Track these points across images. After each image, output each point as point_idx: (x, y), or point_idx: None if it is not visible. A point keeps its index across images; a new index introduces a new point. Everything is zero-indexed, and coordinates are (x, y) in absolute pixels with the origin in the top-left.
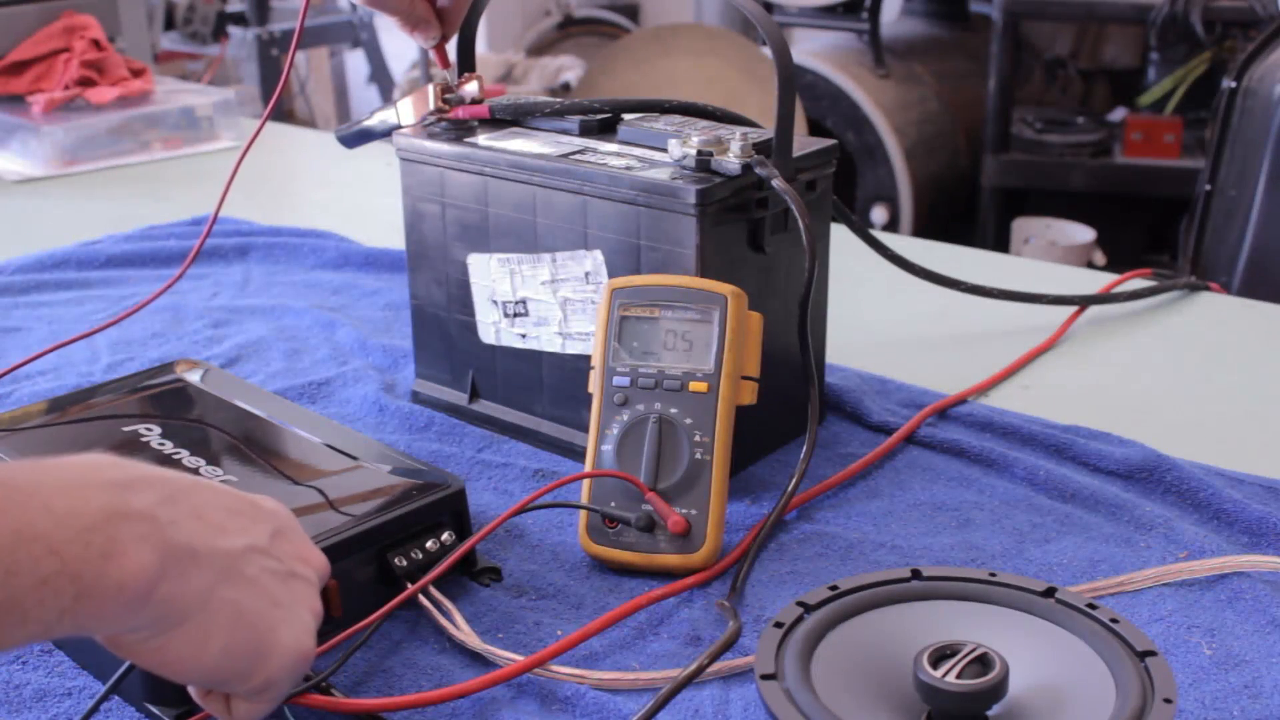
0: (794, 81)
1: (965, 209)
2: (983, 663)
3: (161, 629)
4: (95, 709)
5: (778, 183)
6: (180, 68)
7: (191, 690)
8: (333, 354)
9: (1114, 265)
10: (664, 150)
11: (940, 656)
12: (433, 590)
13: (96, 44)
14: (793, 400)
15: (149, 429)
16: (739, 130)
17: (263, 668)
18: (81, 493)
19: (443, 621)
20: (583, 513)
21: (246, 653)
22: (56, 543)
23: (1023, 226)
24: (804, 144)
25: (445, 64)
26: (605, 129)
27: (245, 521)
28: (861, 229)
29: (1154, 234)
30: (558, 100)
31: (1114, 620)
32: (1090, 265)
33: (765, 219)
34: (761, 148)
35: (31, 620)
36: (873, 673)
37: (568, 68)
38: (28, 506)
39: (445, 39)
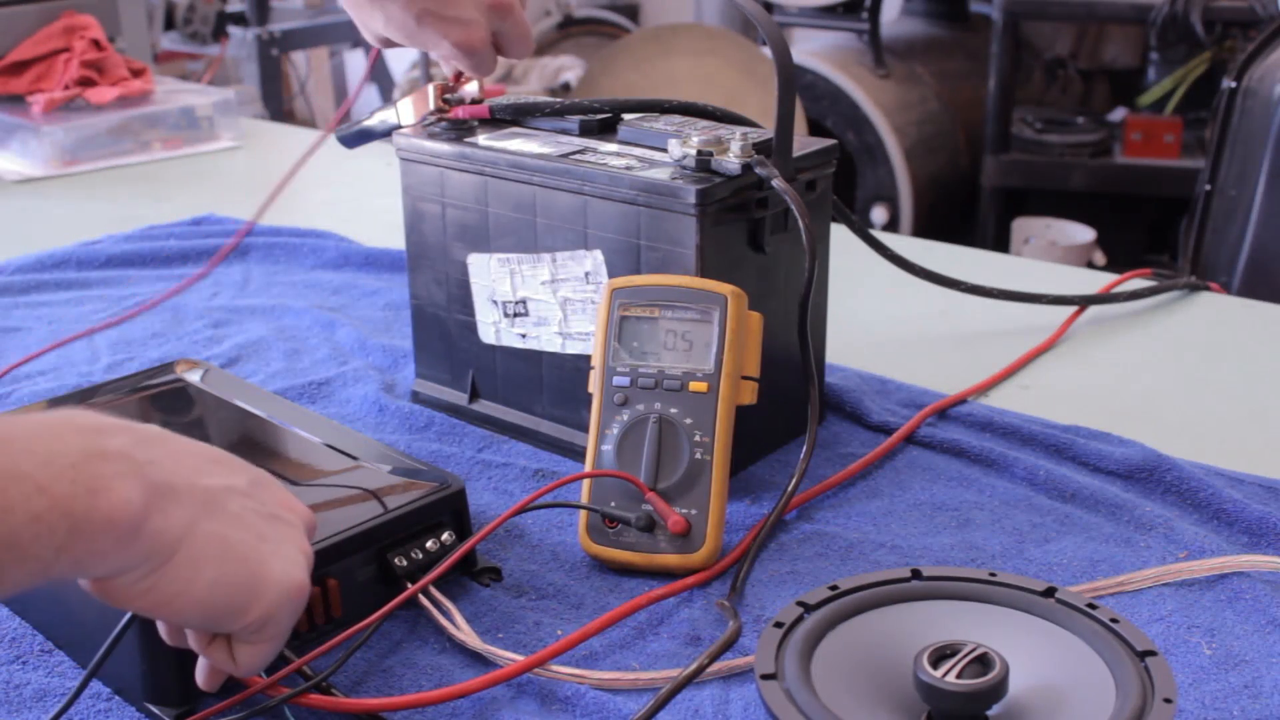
0: (794, 81)
1: (965, 209)
2: (983, 663)
3: (152, 566)
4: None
5: (778, 183)
6: (180, 68)
7: (193, 641)
8: (333, 354)
9: (1114, 265)
10: (664, 150)
11: (940, 656)
12: (433, 590)
13: (96, 44)
14: (793, 400)
15: None
16: (739, 130)
17: (257, 601)
18: (58, 437)
19: (443, 621)
20: (583, 513)
21: (238, 584)
22: (43, 481)
23: (1023, 226)
24: (804, 144)
25: (459, 81)
26: (605, 129)
27: (223, 469)
28: (861, 229)
29: (1154, 234)
30: (558, 100)
31: (1114, 620)
32: (1090, 265)
33: (765, 219)
34: (761, 148)
35: (30, 557)
36: (873, 673)
37: (568, 68)
38: (8, 450)
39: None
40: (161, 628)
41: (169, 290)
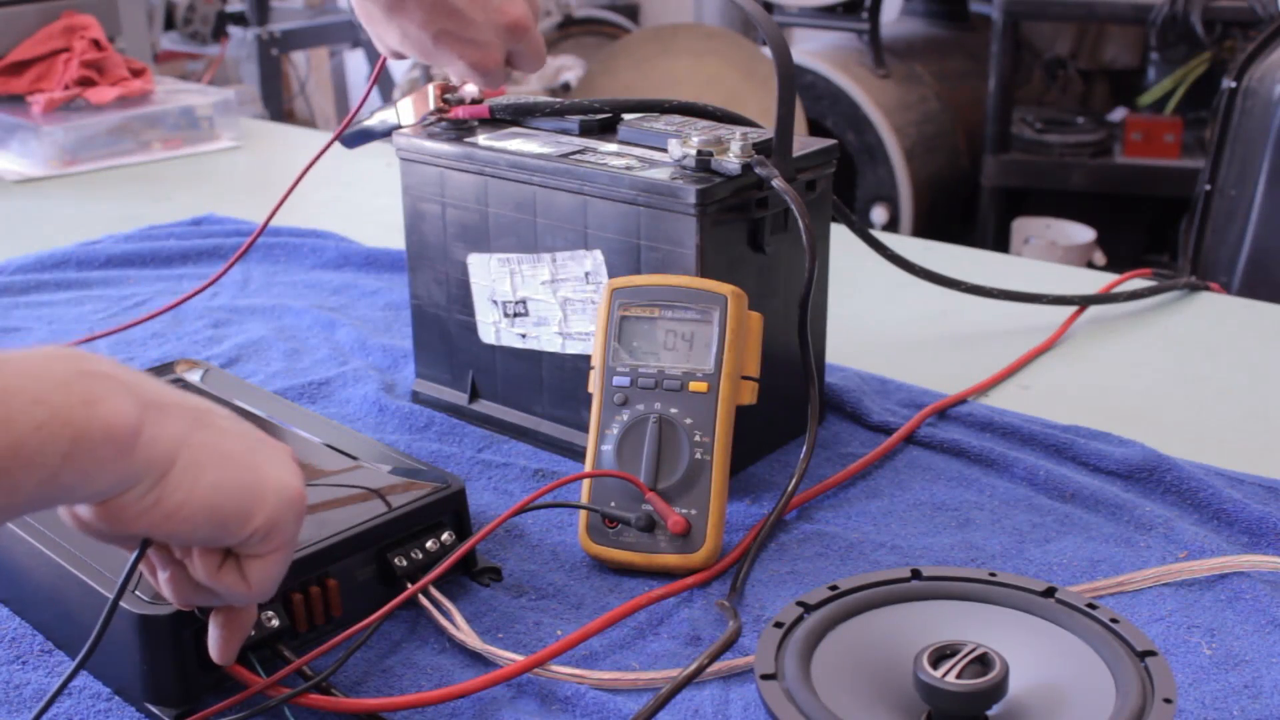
0: (794, 81)
1: (965, 209)
2: (983, 663)
3: (154, 478)
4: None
5: (778, 183)
6: (180, 68)
7: (202, 571)
8: (333, 354)
9: (1114, 265)
10: (664, 150)
11: (940, 656)
12: (433, 590)
13: (96, 44)
14: (793, 400)
15: None
16: (739, 130)
17: (260, 504)
18: (46, 360)
19: (443, 621)
20: (583, 513)
21: (239, 486)
22: (40, 393)
23: (1023, 226)
24: (804, 144)
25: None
26: (605, 129)
27: (199, 398)
28: (861, 229)
29: (1154, 234)
30: (558, 100)
31: (1114, 620)
32: (1090, 265)
33: (765, 219)
34: (761, 148)
35: (37, 465)
36: (873, 673)
37: (568, 68)
38: (3, 370)
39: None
40: (166, 586)
41: (184, 295)
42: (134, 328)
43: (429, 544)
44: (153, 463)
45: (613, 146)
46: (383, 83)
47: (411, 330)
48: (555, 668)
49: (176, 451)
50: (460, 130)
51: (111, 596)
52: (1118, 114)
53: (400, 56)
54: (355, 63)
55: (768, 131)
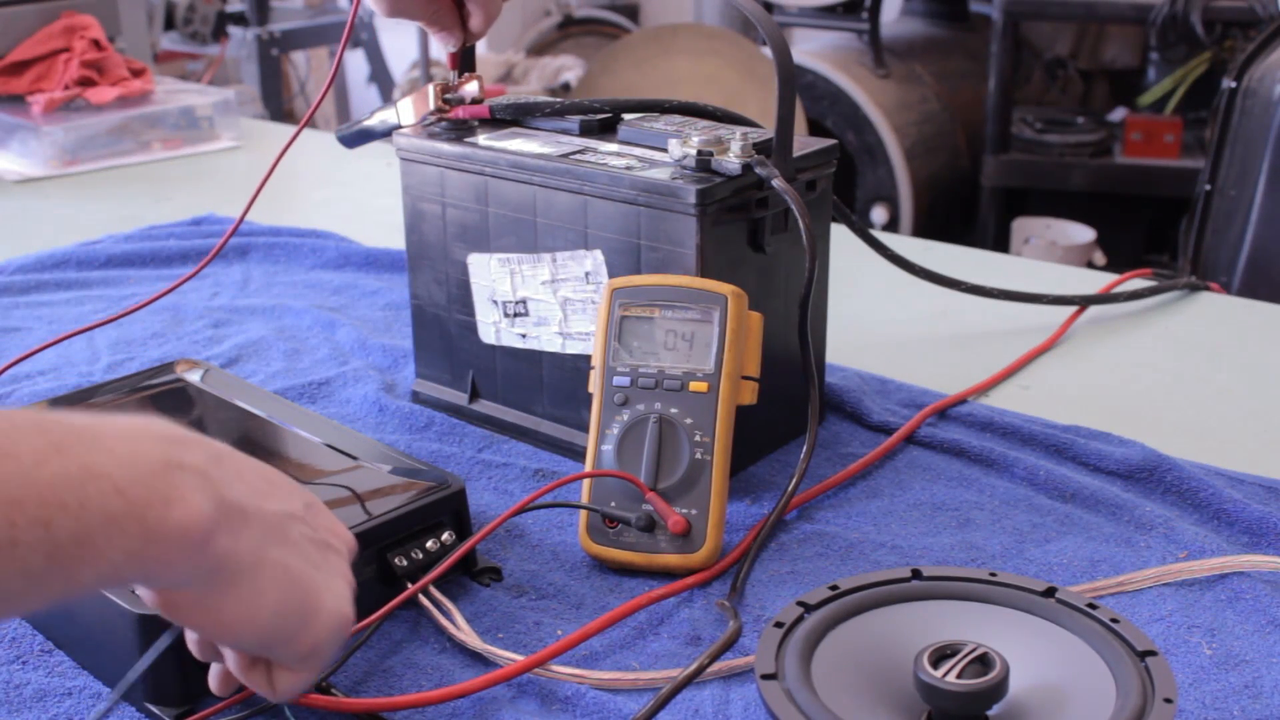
0: (794, 81)
1: (965, 209)
2: (983, 663)
3: (216, 584)
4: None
5: (778, 183)
6: (180, 68)
7: (233, 665)
8: (333, 354)
9: (1114, 265)
10: (664, 150)
11: (940, 656)
12: (433, 590)
13: (96, 44)
14: (793, 400)
15: None
16: (739, 130)
17: (309, 631)
18: (140, 441)
19: (443, 621)
20: (583, 513)
21: (295, 613)
22: (121, 483)
23: (1023, 226)
24: (804, 144)
25: (455, 67)
26: (605, 129)
27: (281, 490)
28: (861, 229)
29: (1154, 234)
30: (558, 100)
31: (1114, 620)
32: (1090, 265)
33: (765, 219)
34: (761, 148)
35: (101, 559)
36: (873, 673)
37: (568, 68)
38: (93, 448)
39: (466, 44)
40: (193, 644)
41: (159, 292)
42: (133, 328)
43: (429, 544)
44: (218, 572)
45: (613, 146)
46: (383, 83)
47: (411, 330)
48: (555, 668)
49: (246, 568)
50: (460, 130)
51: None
52: (1118, 114)
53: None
54: (355, 63)
55: (768, 131)
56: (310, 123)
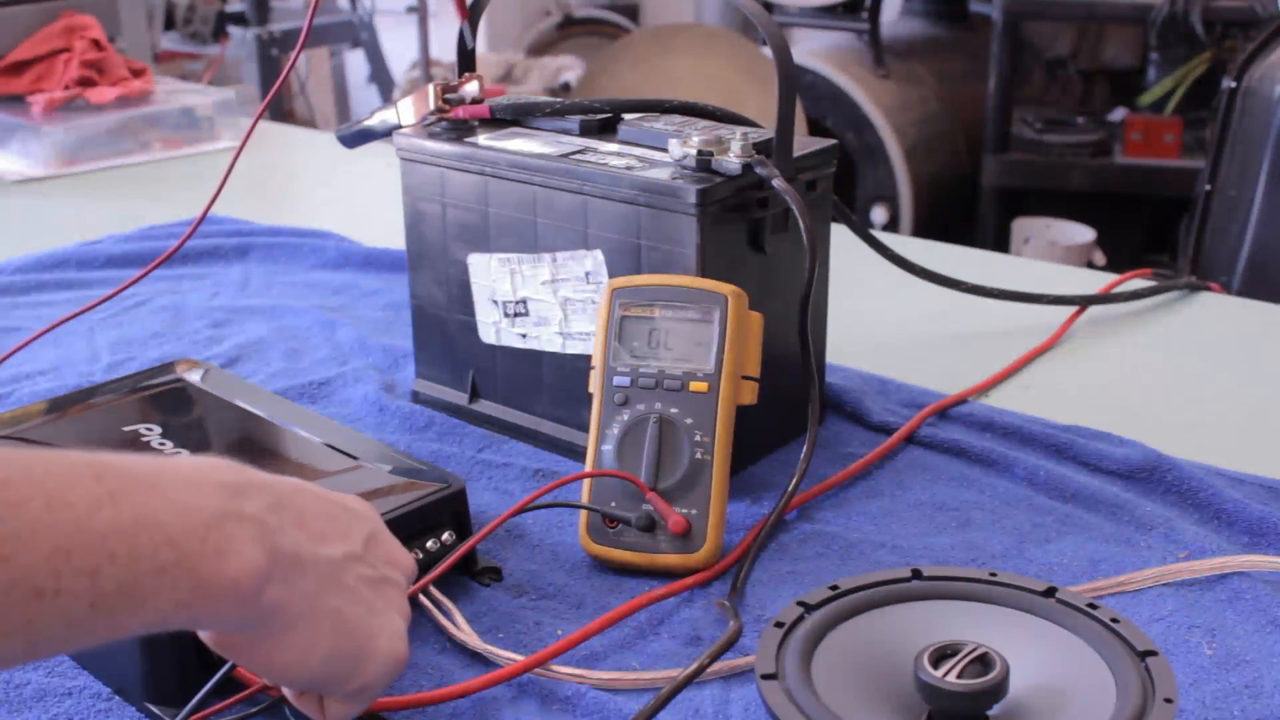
0: (794, 81)
1: (965, 209)
2: (983, 663)
3: (269, 632)
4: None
5: (778, 183)
6: (180, 68)
7: (286, 690)
8: (333, 354)
9: (1114, 265)
10: (664, 150)
11: (941, 656)
12: (433, 590)
13: (96, 44)
14: (793, 400)
15: (149, 429)
16: (739, 130)
17: (361, 673)
18: (199, 490)
19: (443, 621)
20: (583, 513)
21: (348, 658)
22: (175, 534)
23: (1023, 226)
24: (804, 144)
25: (464, 13)
26: (605, 129)
27: (342, 528)
28: (861, 229)
29: (1154, 234)
30: (558, 100)
31: (1114, 620)
32: (1090, 265)
33: (765, 219)
34: (762, 148)
35: (148, 608)
36: (873, 673)
37: (568, 68)
38: (150, 496)
39: None
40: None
41: (115, 289)
42: (134, 328)
43: (429, 544)
44: (270, 620)
45: (613, 146)
46: (383, 83)
47: (412, 330)
48: (556, 668)
49: (298, 617)
50: (460, 130)
51: None
52: (1118, 114)
53: None
54: (355, 63)
55: (768, 131)
56: (310, 122)
